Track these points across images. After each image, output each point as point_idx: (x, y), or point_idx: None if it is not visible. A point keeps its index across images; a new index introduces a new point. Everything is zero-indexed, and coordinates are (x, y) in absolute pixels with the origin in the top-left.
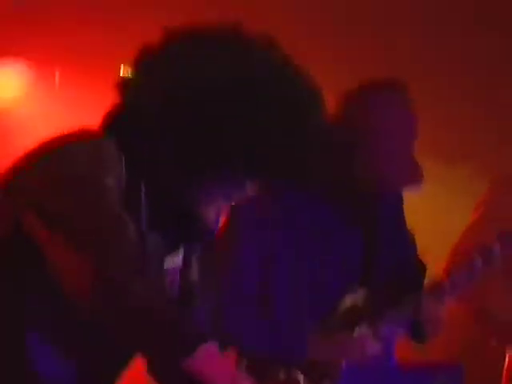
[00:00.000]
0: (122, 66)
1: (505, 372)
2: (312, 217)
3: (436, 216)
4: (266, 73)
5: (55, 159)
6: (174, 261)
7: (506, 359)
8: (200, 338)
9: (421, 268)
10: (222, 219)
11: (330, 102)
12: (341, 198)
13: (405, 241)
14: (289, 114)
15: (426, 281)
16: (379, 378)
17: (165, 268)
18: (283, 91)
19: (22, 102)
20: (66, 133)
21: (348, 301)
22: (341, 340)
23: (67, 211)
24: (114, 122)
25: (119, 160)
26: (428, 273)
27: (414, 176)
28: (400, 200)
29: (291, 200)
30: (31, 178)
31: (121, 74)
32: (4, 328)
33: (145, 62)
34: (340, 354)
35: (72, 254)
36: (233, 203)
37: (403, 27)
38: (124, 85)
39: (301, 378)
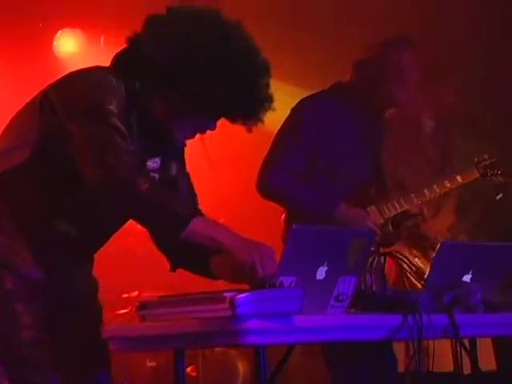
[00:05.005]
0: None
1: None
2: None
3: None
4: (238, 47)
5: (74, 74)
6: (152, 163)
7: None
8: (191, 213)
9: None
10: None
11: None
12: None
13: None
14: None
15: None
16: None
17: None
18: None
19: (77, 58)
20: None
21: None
22: (357, 212)
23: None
24: (121, 64)
25: (120, 89)
26: None
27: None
28: None
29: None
30: (57, 84)
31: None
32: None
33: (154, 26)
34: (355, 222)
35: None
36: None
37: None
38: (135, 38)
39: None
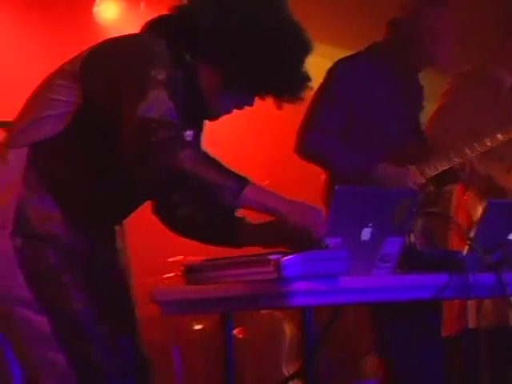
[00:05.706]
0: None
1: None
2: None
3: None
4: (285, 20)
5: (117, 42)
6: (186, 137)
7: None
8: (242, 181)
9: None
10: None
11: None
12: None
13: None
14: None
15: None
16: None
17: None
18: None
19: (118, 24)
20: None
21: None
22: (398, 171)
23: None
24: (165, 31)
25: (166, 57)
26: None
27: (450, 60)
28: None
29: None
30: (98, 52)
31: None
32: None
33: None
34: (396, 181)
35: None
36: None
37: None
38: (180, 5)
39: None
